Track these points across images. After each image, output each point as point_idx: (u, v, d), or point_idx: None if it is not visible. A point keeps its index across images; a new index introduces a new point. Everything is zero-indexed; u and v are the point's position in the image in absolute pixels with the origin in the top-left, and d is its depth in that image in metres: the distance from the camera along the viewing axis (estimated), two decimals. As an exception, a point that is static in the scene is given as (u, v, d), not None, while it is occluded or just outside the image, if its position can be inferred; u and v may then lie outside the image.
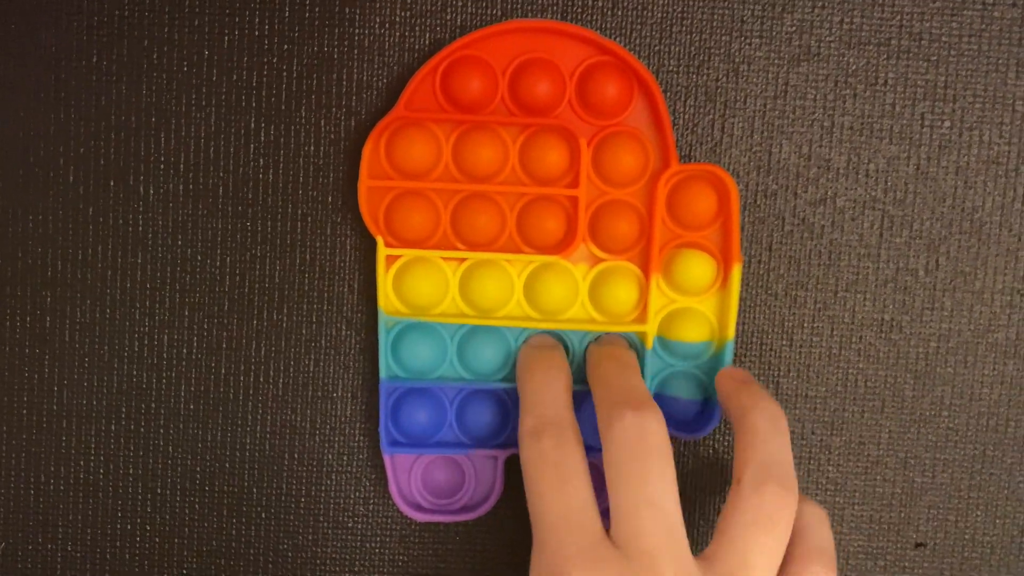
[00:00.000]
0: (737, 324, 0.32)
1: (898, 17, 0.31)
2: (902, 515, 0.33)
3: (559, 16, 0.31)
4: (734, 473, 0.27)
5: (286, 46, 0.31)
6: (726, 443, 0.33)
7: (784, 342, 0.32)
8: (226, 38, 0.31)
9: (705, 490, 0.33)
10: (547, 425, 0.28)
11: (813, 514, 0.28)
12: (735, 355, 0.32)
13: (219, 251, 0.31)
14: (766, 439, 0.28)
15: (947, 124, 0.31)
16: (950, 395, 0.32)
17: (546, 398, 0.29)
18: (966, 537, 0.33)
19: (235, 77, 0.31)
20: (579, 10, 0.31)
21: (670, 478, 0.26)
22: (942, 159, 0.31)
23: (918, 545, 0.33)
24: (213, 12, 0.31)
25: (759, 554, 0.26)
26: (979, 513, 0.33)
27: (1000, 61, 0.31)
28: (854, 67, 0.31)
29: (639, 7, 0.31)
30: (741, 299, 0.32)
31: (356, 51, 0.31)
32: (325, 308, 0.32)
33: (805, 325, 0.32)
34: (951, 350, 0.32)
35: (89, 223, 0.31)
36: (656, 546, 0.26)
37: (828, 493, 0.33)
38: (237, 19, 0.31)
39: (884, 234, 0.32)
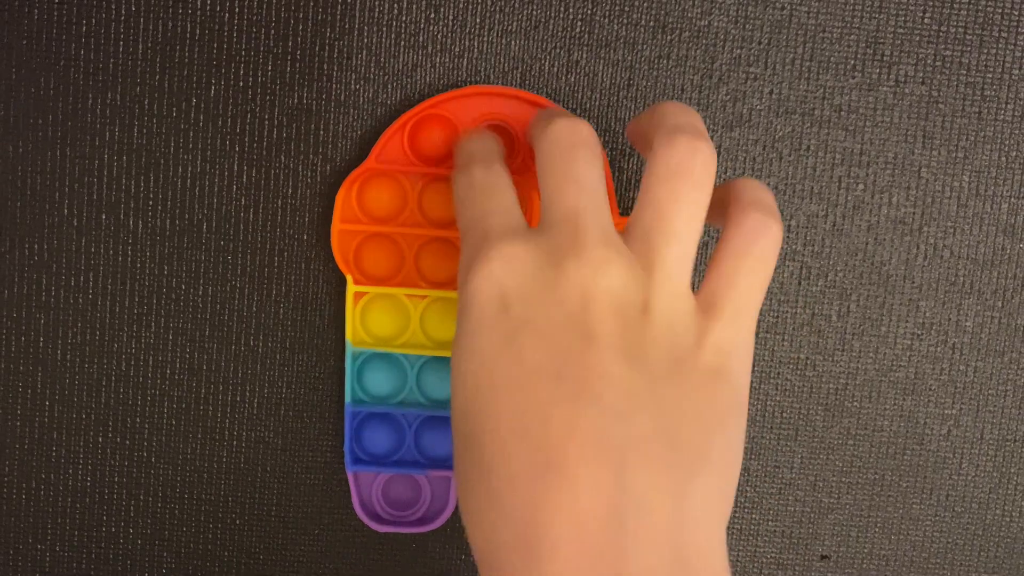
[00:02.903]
0: (669, 360, 0.34)
1: (821, 90, 0.33)
2: (810, 531, 0.35)
3: (518, 80, 0.32)
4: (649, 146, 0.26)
5: (268, 97, 0.32)
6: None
7: (711, 376, 0.34)
8: (212, 87, 0.32)
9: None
10: (476, 159, 0.27)
11: (747, 180, 0.26)
12: (667, 387, 0.34)
13: (201, 282, 0.33)
14: (675, 111, 0.26)
15: (861, 187, 0.33)
16: (855, 426, 0.35)
17: (476, 146, 0.28)
18: (865, 551, 0.35)
19: (220, 123, 0.32)
20: (536, 75, 0.32)
21: (597, 165, 0.25)
22: (856, 218, 0.34)
23: (823, 558, 0.35)
24: (201, 63, 0.32)
25: (676, 202, 0.24)
26: (877, 530, 0.35)
27: (909, 133, 0.33)
28: (780, 134, 0.33)
29: (589, 74, 0.32)
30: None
31: (332, 104, 0.32)
32: (297, 337, 0.33)
33: (730, 362, 0.34)
34: (858, 386, 0.34)
35: (81, 253, 0.32)
36: (578, 211, 0.24)
37: (745, 511, 0.35)
38: (223, 70, 0.32)
39: (802, 283, 0.34)
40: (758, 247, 0.24)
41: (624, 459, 0.22)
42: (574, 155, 0.25)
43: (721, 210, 0.26)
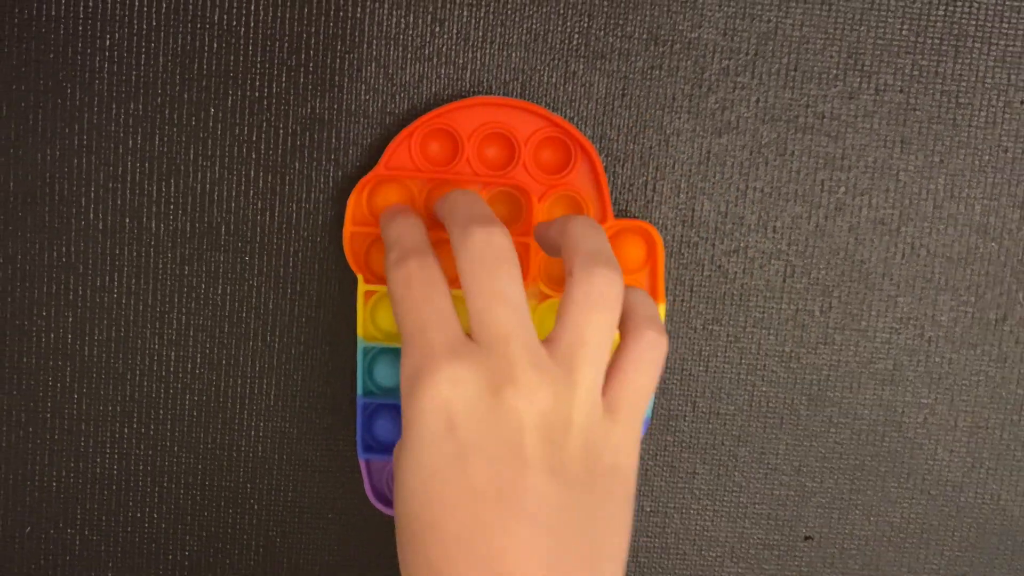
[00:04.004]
0: (662, 353, 0.35)
1: (805, 99, 0.34)
2: (794, 513, 0.37)
3: (519, 90, 0.34)
4: (566, 270, 0.28)
5: (283, 107, 0.33)
6: (654, 451, 0.36)
7: (701, 368, 0.36)
8: (230, 98, 0.33)
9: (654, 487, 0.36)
10: (410, 252, 0.28)
11: (638, 293, 0.29)
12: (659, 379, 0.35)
13: (220, 281, 0.34)
14: (588, 236, 0.28)
15: (842, 189, 0.35)
16: (837, 415, 0.36)
17: (406, 234, 0.29)
18: (846, 532, 0.37)
19: (237, 132, 0.33)
20: (536, 85, 0.34)
21: (517, 278, 0.27)
22: (837, 219, 0.35)
23: (807, 538, 0.37)
24: (219, 75, 0.33)
25: (594, 329, 0.27)
26: (858, 512, 0.37)
27: (888, 138, 0.35)
28: (766, 140, 0.34)
29: (586, 84, 0.34)
30: (666, 332, 0.35)
31: (344, 114, 0.33)
32: (311, 333, 0.35)
33: (719, 355, 0.36)
34: (839, 378, 0.36)
35: (107, 254, 0.34)
36: (508, 333, 0.26)
37: (733, 494, 0.36)
38: (240, 81, 0.33)
39: (787, 280, 0.35)
40: (653, 359, 0.28)
41: (552, 568, 0.26)
42: (498, 272, 0.27)
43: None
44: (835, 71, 0.34)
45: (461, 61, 0.33)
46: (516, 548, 0.25)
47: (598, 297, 0.27)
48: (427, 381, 0.26)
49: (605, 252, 0.28)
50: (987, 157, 0.35)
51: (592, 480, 0.27)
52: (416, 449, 0.26)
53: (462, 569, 0.25)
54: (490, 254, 0.27)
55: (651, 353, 0.28)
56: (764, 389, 0.36)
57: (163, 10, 0.32)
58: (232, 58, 0.33)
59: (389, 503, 0.34)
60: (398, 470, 0.27)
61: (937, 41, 0.34)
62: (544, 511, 0.26)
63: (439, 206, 0.31)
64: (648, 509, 0.36)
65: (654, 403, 0.35)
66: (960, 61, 0.34)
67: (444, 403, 0.26)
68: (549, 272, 0.34)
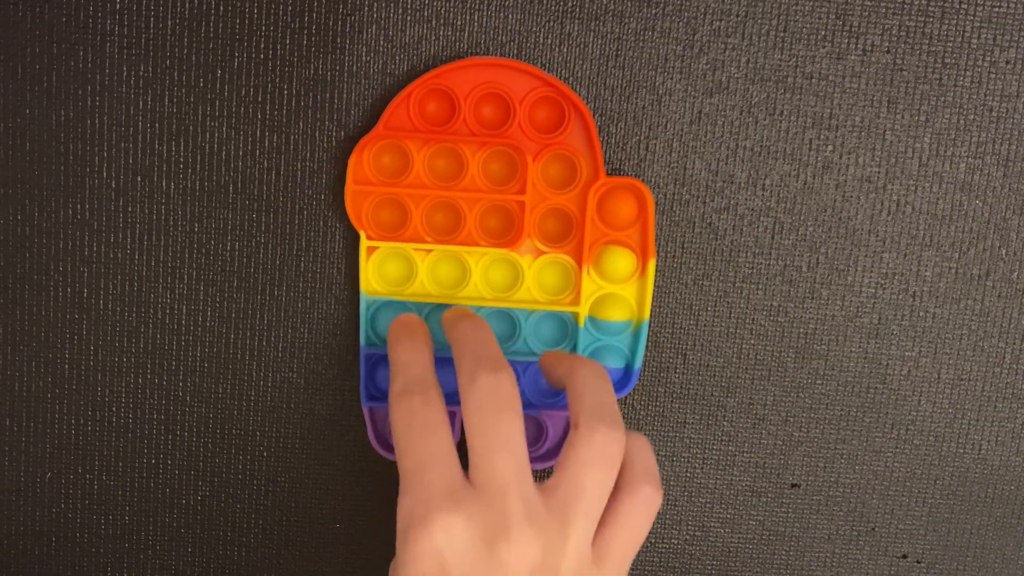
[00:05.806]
0: (652, 307, 0.36)
1: (794, 59, 0.35)
2: (781, 461, 0.37)
3: (515, 51, 0.34)
4: (571, 419, 0.29)
5: (287, 68, 0.34)
6: (645, 401, 0.37)
7: (691, 322, 0.36)
8: (236, 60, 0.34)
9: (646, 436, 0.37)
10: (414, 385, 0.29)
11: (637, 443, 0.29)
12: (650, 332, 0.36)
13: (229, 238, 0.35)
14: (594, 387, 0.29)
15: (830, 148, 0.35)
16: (823, 367, 0.37)
17: (412, 363, 0.30)
18: (831, 480, 0.38)
19: (243, 93, 0.34)
20: (532, 47, 0.34)
21: (519, 427, 0.28)
22: (825, 177, 0.35)
23: (793, 486, 0.38)
24: (226, 37, 0.34)
25: (593, 484, 0.28)
26: (843, 461, 0.38)
27: (875, 98, 0.35)
28: (756, 100, 0.35)
29: (581, 46, 0.34)
30: (656, 287, 0.36)
31: (345, 75, 0.34)
32: (317, 287, 0.35)
33: (708, 309, 0.36)
34: (826, 331, 0.36)
35: (120, 212, 0.35)
36: (507, 482, 0.27)
37: (723, 443, 0.37)
38: (246, 44, 0.34)
39: (775, 237, 0.36)
40: (646, 513, 0.29)
41: None
42: (500, 419, 0.28)
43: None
44: (823, 32, 0.34)
45: (459, 23, 0.34)
46: None
47: (599, 455, 0.28)
48: (422, 528, 0.26)
49: (610, 408, 0.28)
50: (972, 116, 0.35)
51: None
52: None
53: None
54: (494, 401, 0.28)
55: (644, 508, 0.29)
56: (752, 342, 0.36)
57: (170, -26, 0.33)
58: (238, 21, 0.33)
59: (391, 449, 0.35)
60: None
61: (924, 2, 0.34)
62: None
63: (448, 327, 0.31)
64: (640, 457, 0.37)
65: (644, 357, 0.36)
66: (946, 22, 0.34)
67: (437, 552, 0.26)
68: (544, 229, 0.35)
